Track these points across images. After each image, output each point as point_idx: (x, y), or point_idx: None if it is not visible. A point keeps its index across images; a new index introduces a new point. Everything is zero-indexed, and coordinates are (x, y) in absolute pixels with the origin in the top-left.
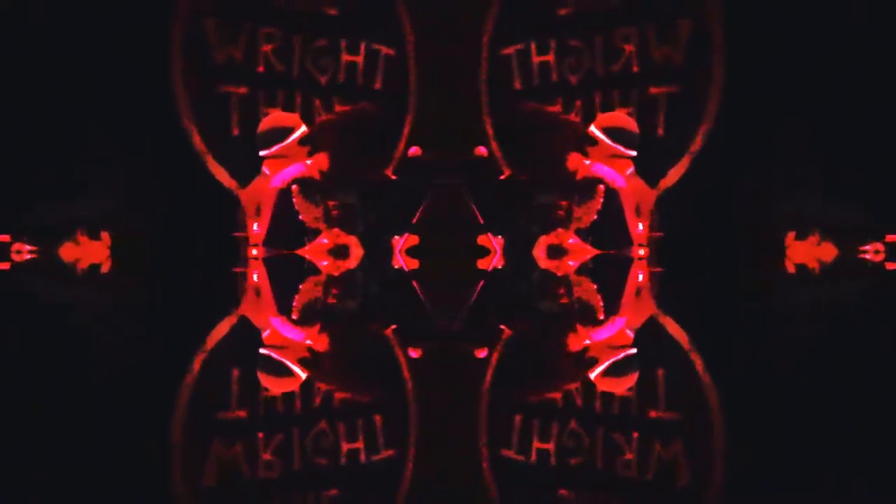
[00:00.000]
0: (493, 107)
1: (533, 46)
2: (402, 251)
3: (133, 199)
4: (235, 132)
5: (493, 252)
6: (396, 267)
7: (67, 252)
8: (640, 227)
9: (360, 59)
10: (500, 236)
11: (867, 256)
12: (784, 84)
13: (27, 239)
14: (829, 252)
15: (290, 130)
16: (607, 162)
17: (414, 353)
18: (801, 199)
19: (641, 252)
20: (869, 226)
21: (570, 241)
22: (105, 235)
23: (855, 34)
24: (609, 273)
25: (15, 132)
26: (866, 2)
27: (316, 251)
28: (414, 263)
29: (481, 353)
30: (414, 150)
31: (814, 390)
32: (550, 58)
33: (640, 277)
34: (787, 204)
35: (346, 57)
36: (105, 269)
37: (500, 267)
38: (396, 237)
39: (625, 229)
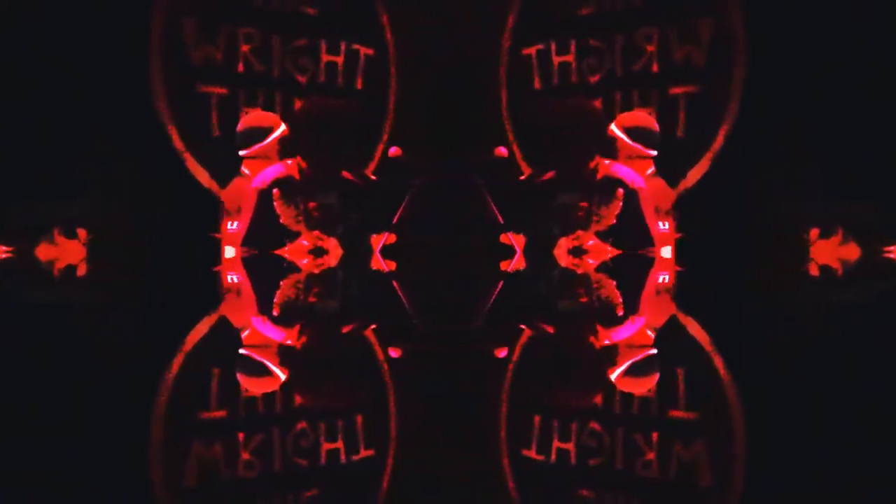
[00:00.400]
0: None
1: (553, 46)
2: (380, 251)
3: (118, 199)
4: (215, 132)
5: (515, 252)
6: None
7: (44, 252)
8: (665, 226)
9: (340, 59)
10: (521, 236)
11: (893, 256)
12: (800, 84)
13: (2, 239)
14: (852, 252)
15: (270, 130)
16: (627, 162)
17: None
18: (820, 198)
19: (665, 252)
20: (892, 225)
21: (591, 242)
22: (82, 233)
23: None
24: (629, 273)
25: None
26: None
27: (295, 252)
28: (392, 264)
29: (502, 353)
30: (394, 151)
31: (832, 392)
32: (570, 58)
33: (663, 278)
34: (807, 203)
35: (325, 57)
36: (81, 269)
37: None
38: (375, 236)
39: (646, 230)
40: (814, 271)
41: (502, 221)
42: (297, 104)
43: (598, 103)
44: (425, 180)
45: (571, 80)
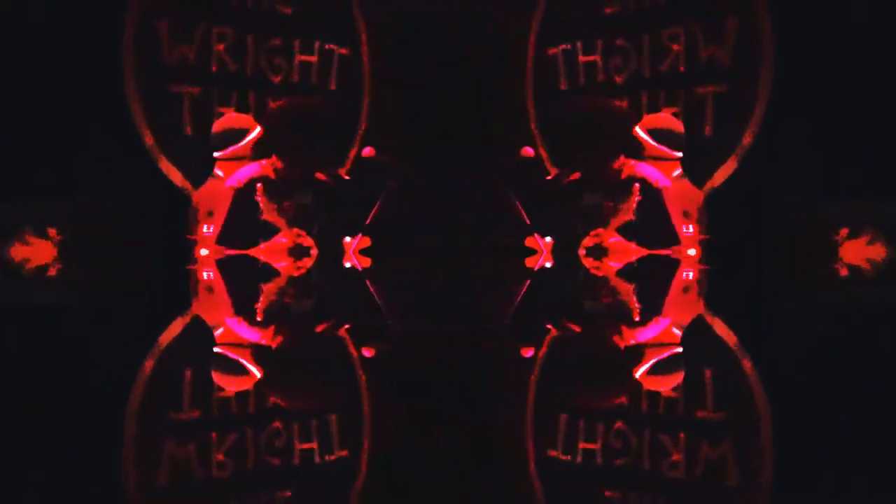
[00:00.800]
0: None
1: (579, 46)
2: (355, 252)
3: (94, 199)
4: (188, 132)
5: (540, 252)
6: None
7: (16, 252)
8: (690, 228)
9: (314, 58)
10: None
11: None
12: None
13: None
14: (879, 252)
15: (244, 132)
16: (653, 163)
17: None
18: (849, 198)
19: (691, 252)
20: None
21: (612, 240)
22: (52, 233)
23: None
24: (654, 273)
25: None
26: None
27: (273, 252)
28: (367, 263)
29: (528, 353)
30: (368, 151)
31: (866, 391)
32: (597, 58)
33: (689, 277)
34: (835, 204)
35: (300, 56)
36: (53, 268)
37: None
38: (348, 238)
39: (671, 229)
40: (843, 271)
41: (526, 221)
42: (272, 104)
43: (622, 103)
44: (402, 180)
45: (597, 80)
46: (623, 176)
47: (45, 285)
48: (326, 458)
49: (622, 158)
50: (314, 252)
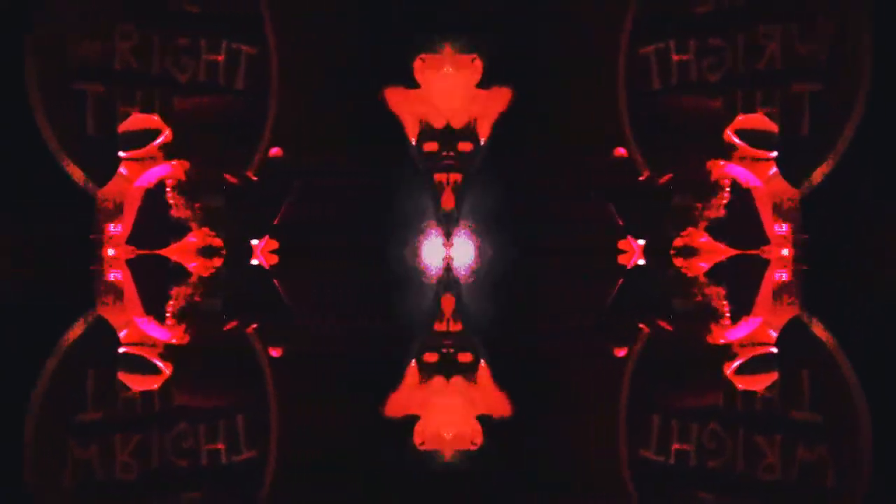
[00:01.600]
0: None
1: (672, 45)
2: (263, 251)
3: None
4: (90, 131)
5: (633, 252)
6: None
7: None
8: (784, 227)
9: (220, 57)
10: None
11: None
12: None
13: None
14: None
15: (151, 133)
16: (746, 164)
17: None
18: None
19: (785, 252)
20: None
21: (702, 240)
22: None
23: None
24: (747, 273)
25: None
26: None
27: (184, 251)
28: (274, 260)
29: (621, 353)
30: (275, 151)
31: None
32: (690, 57)
33: (782, 277)
34: None
35: (206, 56)
36: None
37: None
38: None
39: (762, 229)
40: None
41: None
42: (178, 104)
43: (716, 102)
44: (308, 181)
45: (690, 80)
46: (713, 177)
47: None
48: (234, 458)
49: (715, 159)
50: (224, 252)
